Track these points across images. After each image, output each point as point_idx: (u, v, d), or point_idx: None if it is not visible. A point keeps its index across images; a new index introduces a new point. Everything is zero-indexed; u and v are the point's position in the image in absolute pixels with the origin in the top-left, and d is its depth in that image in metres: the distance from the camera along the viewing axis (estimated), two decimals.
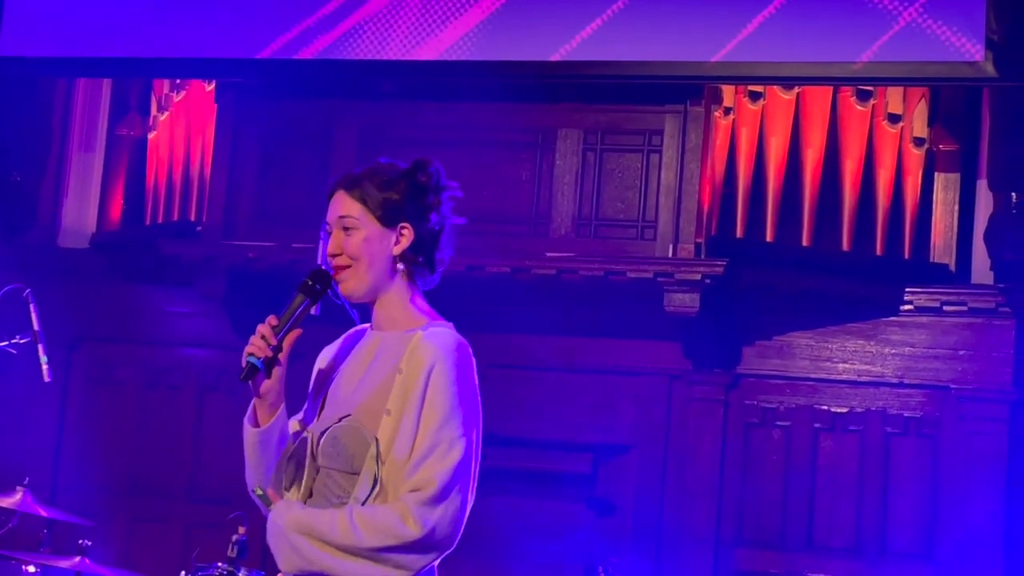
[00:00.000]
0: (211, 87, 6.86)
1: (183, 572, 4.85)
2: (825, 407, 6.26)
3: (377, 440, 2.80)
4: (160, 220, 7.05)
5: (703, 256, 6.02)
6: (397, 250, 2.91)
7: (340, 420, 2.86)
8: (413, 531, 2.73)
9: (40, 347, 4.91)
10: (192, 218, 6.86)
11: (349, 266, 2.89)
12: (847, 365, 6.24)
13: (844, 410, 6.23)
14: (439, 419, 2.79)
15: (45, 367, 4.91)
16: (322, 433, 2.88)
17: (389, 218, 2.90)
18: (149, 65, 6.70)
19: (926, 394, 6.14)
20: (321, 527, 2.75)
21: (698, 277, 5.92)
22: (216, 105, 6.74)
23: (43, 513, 5.06)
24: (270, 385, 2.86)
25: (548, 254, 6.16)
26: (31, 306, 4.95)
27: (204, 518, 6.89)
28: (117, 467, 6.92)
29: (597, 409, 6.42)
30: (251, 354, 2.83)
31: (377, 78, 6.33)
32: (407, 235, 2.91)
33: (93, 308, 7.03)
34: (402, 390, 2.81)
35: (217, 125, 6.71)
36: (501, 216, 6.26)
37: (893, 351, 6.19)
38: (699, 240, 6.06)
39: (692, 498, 6.29)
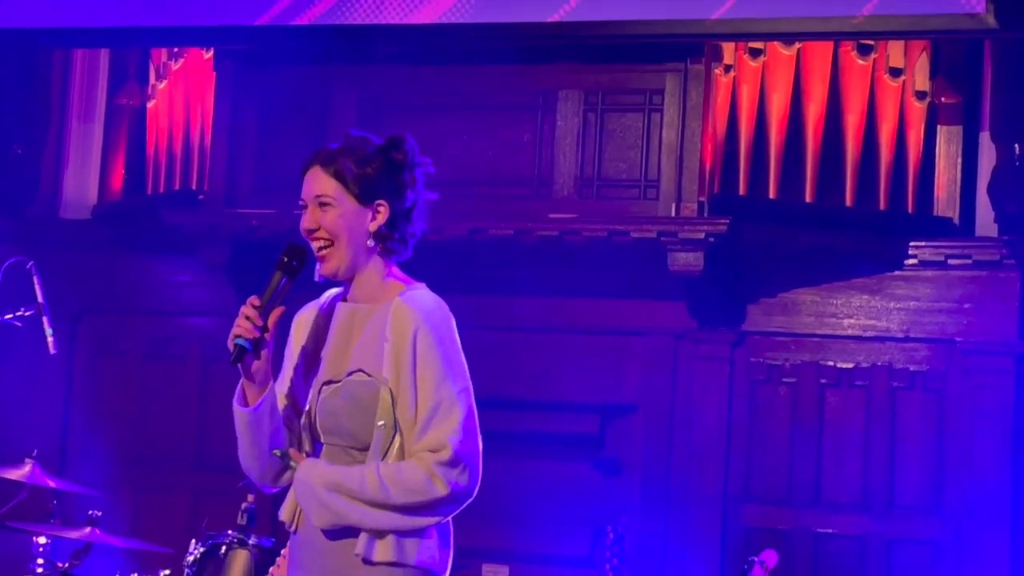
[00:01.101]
0: (209, 55, 6.83)
1: (194, 540, 4.86)
2: (831, 363, 6.25)
3: (385, 409, 2.85)
4: (161, 189, 7.03)
5: (706, 215, 6.00)
6: (373, 227, 2.93)
7: (337, 395, 2.91)
8: (441, 491, 2.82)
9: (45, 319, 4.92)
10: (193, 187, 6.84)
11: (331, 244, 2.91)
12: (852, 320, 6.23)
13: (850, 365, 6.23)
14: (435, 378, 2.85)
15: (50, 339, 4.92)
16: (321, 410, 2.94)
17: (365, 195, 2.91)
18: (146, 34, 6.66)
19: (931, 348, 6.14)
20: (350, 484, 2.82)
21: (702, 236, 5.90)
22: (215, 73, 6.71)
23: (52, 485, 5.07)
24: (259, 365, 2.88)
25: (551, 216, 6.14)
26: (35, 279, 4.96)
27: (211, 486, 6.90)
28: (123, 438, 6.93)
29: (603, 370, 6.42)
30: (239, 336, 2.84)
31: (375, 43, 6.30)
32: (383, 212, 2.93)
33: (96, 279, 7.03)
34: (392, 359, 2.86)
35: (216, 93, 6.68)
36: (503, 179, 6.24)
37: (898, 306, 6.18)
38: (702, 199, 6.04)
39: (699, 456, 6.30)
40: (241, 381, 2.91)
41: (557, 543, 6.35)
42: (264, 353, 2.87)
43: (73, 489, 5.21)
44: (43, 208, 7.24)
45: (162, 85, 7.09)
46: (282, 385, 3.02)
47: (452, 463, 2.82)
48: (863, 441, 6.17)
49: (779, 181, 6.17)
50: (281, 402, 2.99)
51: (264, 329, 2.86)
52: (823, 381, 6.25)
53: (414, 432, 2.84)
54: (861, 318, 6.22)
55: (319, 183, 2.92)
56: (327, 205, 2.91)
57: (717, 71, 6.11)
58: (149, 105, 7.18)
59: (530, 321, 6.39)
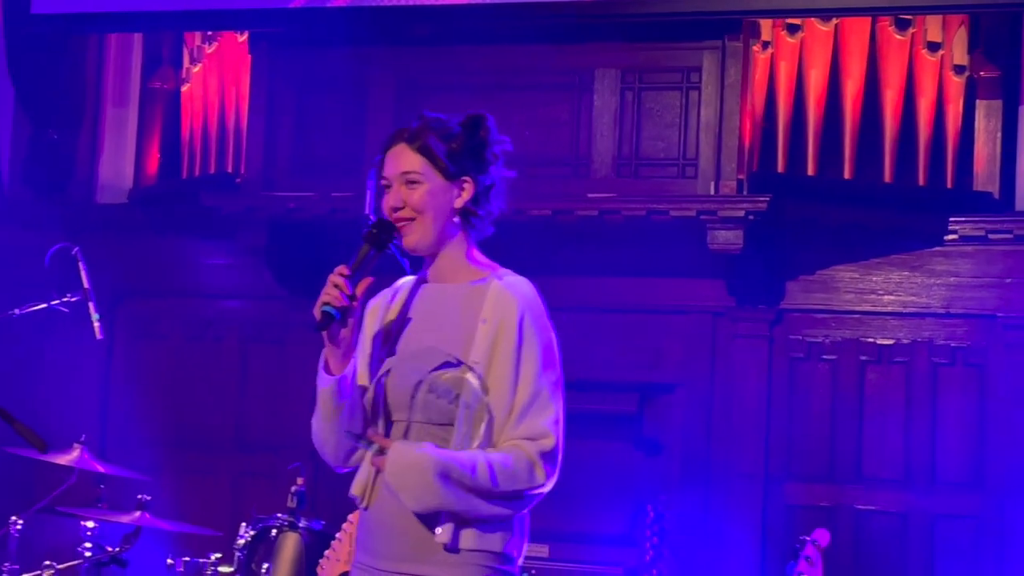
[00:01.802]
0: (243, 38, 6.82)
1: (244, 524, 4.87)
2: (871, 339, 6.24)
3: (472, 390, 2.85)
4: (197, 173, 7.04)
5: (745, 192, 5.99)
6: (459, 203, 2.95)
7: (417, 373, 2.88)
8: (540, 479, 2.84)
9: (91, 305, 4.93)
10: (229, 170, 6.85)
11: (413, 219, 2.92)
12: (892, 297, 6.21)
13: (890, 342, 6.22)
14: (536, 367, 2.86)
15: (97, 325, 4.93)
16: (398, 388, 2.90)
17: (452, 172, 2.93)
18: (180, 18, 6.68)
19: (972, 324, 6.11)
20: (462, 470, 2.80)
21: (742, 214, 5.89)
22: (250, 56, 6.70)
23: (101, 469, 5.09)
24: (345, 334, 2.87)
25: (589, 195, 6.13)
26: (80, 264, 4.97)
27: (251, 468, 6.94)
28: (163, 421, 6.94)
29: (641, 349, 6.41)
30: (327, 303, 2.82)
31: (411, 23, 6.29)
32: (468, 188, 2.96)
33: (134, 263, 7.03)
34: (489, 340, 2.86)
35: (252, 76, 6.67)
36: (541, 159, 6.22)
37: (938, 281, 6.16)
38: (741, 177, 6.02)
39: (739, 434, 6.29)
40: (324, 351, 2.89)
41: (597, 522, 6.36)
42: (351, 322, 2.86)
43: (121, 473, 5.22)
44: (79, 193, 7.25)
45: (196, 68, 7.09)
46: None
47: (554, 451, 2.85)
48: (904, 418, 6.15)
49: (818, 158, 6.15)
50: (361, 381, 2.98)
51: (352, 297, 2.85)
52: (863, 358, 6.23)
53: (510, 418, 2.85)
54: (901, 294, 6.20)
55: (405, 160, 2.93)
56: (414, 182, 2.92)
57: (755, 48, 6.09)
58: (183, 89, 7.18)
59: (568, 301, 6.35)
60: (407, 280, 3.08)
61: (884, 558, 6.08)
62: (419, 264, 3.07)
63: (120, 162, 7.33)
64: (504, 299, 2.89)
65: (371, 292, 3.03)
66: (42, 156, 7.15)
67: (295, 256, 6.72)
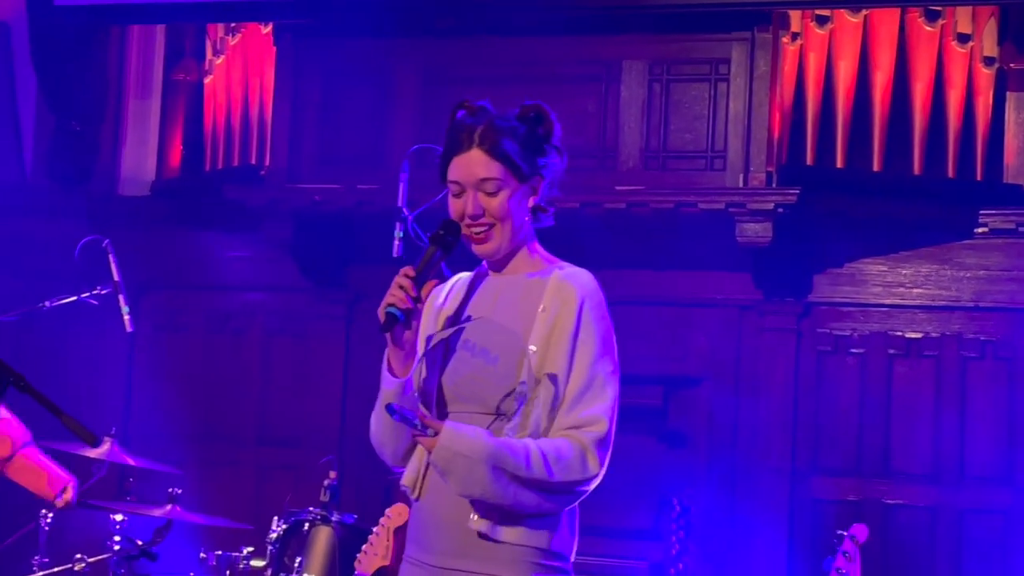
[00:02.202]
0: (267, 29, 6.80)
1: (276, 517, 4.85)
2: (899, 333, 6.21)
3: (527, 379, 2.80)
4: (220, 165, 7.01)
5: (774, 185, 5.95)
6: (532, 203, 2.92)
7: (483, 365, 2.85)
8: (593, 468, 2.78)
9: (121, 297, 4.92)
10: (253, 162, 6.82)
11: (493, 225, 2.86)
12: (921, 290, 6.18)
13: (919, 335, 6.18)
14: (593, 355, 2.81)
15: (127, 317, 4.92)
16: (467, 378, 2.87)
17: (526, 173, 2.88)
18: (204, 10, 6.67)
19: (1002, 317, 6.08)
20: (517, 461, 2.74)
21: (771, 206, 5.85)
22: (275, 48, 6.67)
23: (131, 462, 5.07)
24: (409, 335, 2.83)
25: (617, 187, 6.10)
26: (110, 256, 4.95)
27: (274, 461, 6.92)
28: (186, 413, 6.93)
29: (667, 342, 6.38)
30: (391, 305, 2.78)
31: (437, 14, 6.26)
32: (540, 186, 2.92)
33: (156, 255, 7.01)
34: (547, 328, 2.82)
35: (277, 68, 6.64)
36: (568, 150, 6.17)
37: (967, 274, 6.13)
38: (769, 169, 5.99)
39: (766, 428, 6.26)
40: (387, 352, 2.84)
41: (621, 516, 6.31)
42: (414, 324, 2.82)
43: (152, 466, 5.20)
44: (102, 185, 7.24)
45: (219, 60, 7.07)
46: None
47: (606, 439, 2.78)
48: (933, 412, 6.12)
49: (846, 150, 6.11)
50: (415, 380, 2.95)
51: (417, 300, 2.79)
52: (891, 351, 6.20)
53: (562, 405, 2.79)
54: (930, 287, 6.17)
55: (483, 167, 2.84)
56: (495, 189, 2.85)
57: (784, 39, 6.05)
58: (206, 81, 7.16)
59: None
60: (464, 275, 3.03)
61: (912, 553, 6.05)
62: (453, 266, 3.04)
63: (143, 154, 7.32)
64: (564, 288, 2.85)
65: None
66: (65, 148, 7.14)
67: (320, 249, 6.70)
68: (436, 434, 2.76)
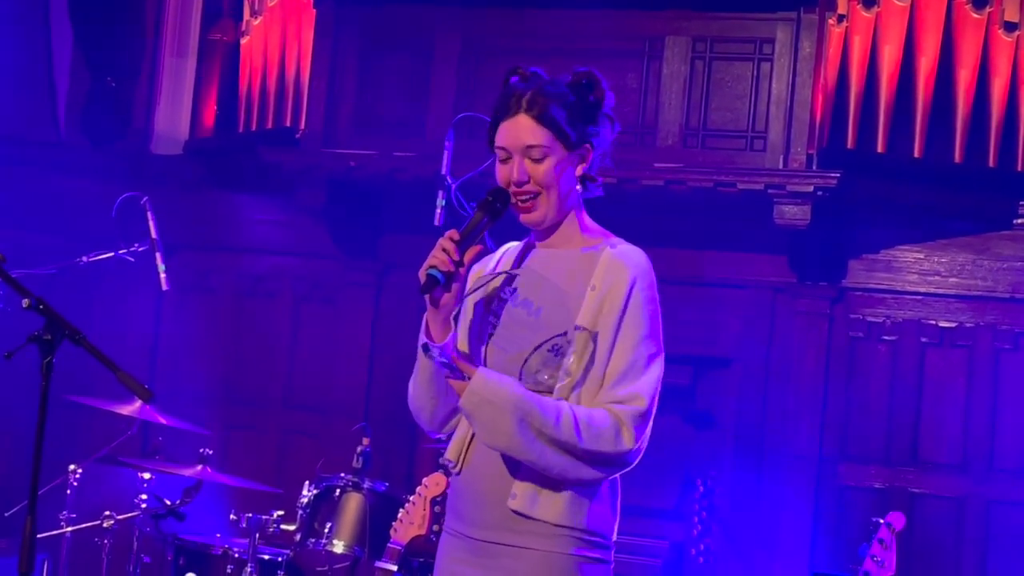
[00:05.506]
0: None
1: (307, 482, 4.83)
2: (933, 322, 6.17)
3: (573, 356, 2.77)
4: (254, 127, 6.97)
5: (814, 168, 5.90)
6: (580, 171, 2.88)
7: (529, 342, 2.82)
8: (627, 444, 2.74)
9: (158, 255, 4.90)
10: (288, 124, 6.78)
11: (539, 193, 2.83)
12: (956, 279, 6.14)
13: (952, 325, 6.14)
14: (640, 333, 2.78)
15: (163, 276, 4.90)
16: (513, 355, 2.83)
17: (574, 141, 2.84)
18: None
19: None
20: (545, 417, 2.71)
21: (810, 189, 5.81)
22: (315, 11, 6.63)
23: (163, 421, 5.06)
24: (448, 299, 2.79)
25: (656, 165, 6.06)
26: (148, 214, 4.93)
27: (299, 425, 6.91)
28: (212, 375, 6.92)
29: (697, 322, 6.34)
30: (433, 267, 2.75)
31: None
32: (589, 155, 2.88)
33: (187, 215, 6.98)
34: (597, 305, 2.78)
35: (316, 31, 6.60)
36: None
37: (1004, 265, 6.08)
38: (810, 151, 5.94)
39: (794, 412, 6.23)
40: (426, 315, 2.81)
41: (645, 495, 6.28)
42: (455, 287, 2.78)
43: (183, 426, 5.19)
44: (135, 142, 7.21)
45: (256, 21, 7.02)
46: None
47: (645, 417, 2.75)
48: (964, 402, 6.09)
49: (887, 135, 6.05)
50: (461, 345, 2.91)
51: (459, 263, 2.76)
52: (924, 340, 6.17)
53: (606, 381, 2.76)
54: (966, 277, 6.13)
55: (529, 132, 2.81)
56: (541, 156, 2.81)
57: (830, 21, 5.99)
58: (243, 41, 7.12)
59: None
60: (513, 245, 3.00)
61: (938, 543, 6.02)
62: (498, 238, 3.00)
63: (177, 113, 7.29)
64: (616, 267, 2.80)
65: None
66: (99, 104, 7.11)
67: (353, 215, 6.67)
68: (469, 379, 2.75)
